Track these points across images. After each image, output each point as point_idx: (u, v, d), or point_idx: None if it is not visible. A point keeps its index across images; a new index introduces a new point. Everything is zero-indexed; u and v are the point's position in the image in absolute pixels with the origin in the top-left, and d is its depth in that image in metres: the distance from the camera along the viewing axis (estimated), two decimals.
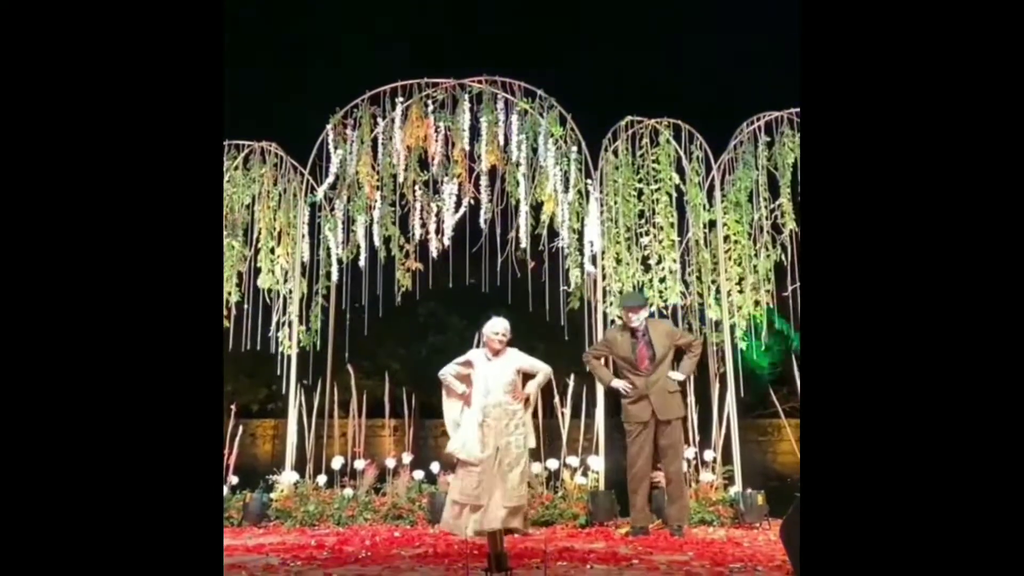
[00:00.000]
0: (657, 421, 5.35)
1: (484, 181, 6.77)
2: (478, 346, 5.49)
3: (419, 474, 6.38)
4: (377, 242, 6.91)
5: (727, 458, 6.27)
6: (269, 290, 7.17)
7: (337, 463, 6.47)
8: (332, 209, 7.06)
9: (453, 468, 5.10)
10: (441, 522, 5.11)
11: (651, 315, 5.96)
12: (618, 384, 5.49)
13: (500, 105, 6.77)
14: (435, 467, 6.45)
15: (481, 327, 5.38)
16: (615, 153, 6.84)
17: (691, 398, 6.40)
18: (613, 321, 6.44)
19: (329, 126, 7.01)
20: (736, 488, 6.07)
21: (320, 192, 7.05)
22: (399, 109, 6.88)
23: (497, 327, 5.16)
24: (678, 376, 5.48)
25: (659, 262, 6.68)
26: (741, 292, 6.65)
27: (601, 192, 6.71)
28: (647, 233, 6.73)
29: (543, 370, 5.11)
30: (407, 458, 6.42)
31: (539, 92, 6.76)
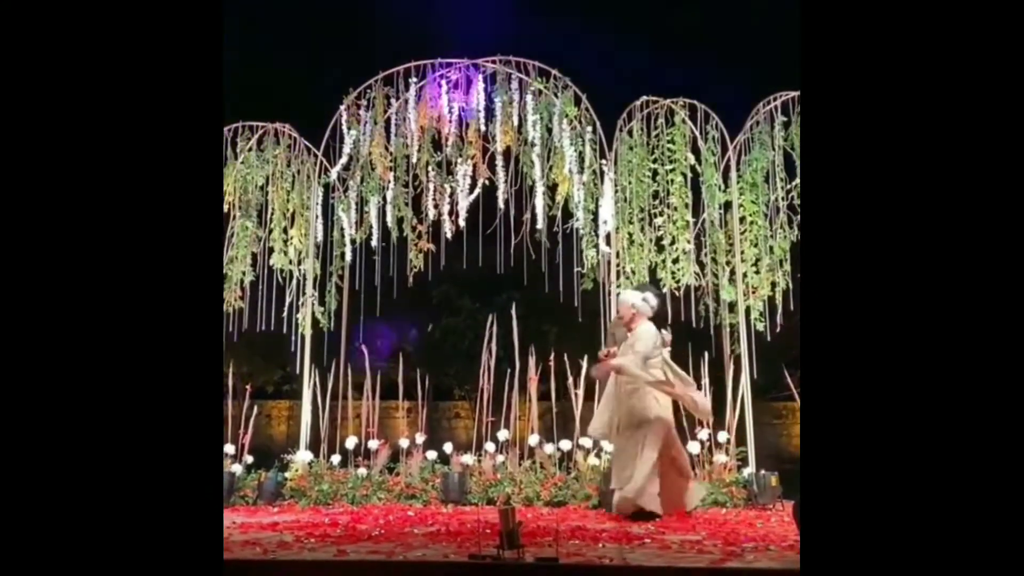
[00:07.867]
0: None
1: (499, 162, 6.73)
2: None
3: (432, 454, 6.40)
4: (390, 223, 6.90)
5: (741, 440, 6.25)
6: (282, 271, 7.18)
7: (351, 443, 6.50)
8: (345, 190, 7.05)
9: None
10: (648, 499, 4.89)
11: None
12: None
13: (514, 85, 6.72)
14: (448, 447, 6.47)
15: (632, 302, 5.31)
16: (630, 133, 6.78)
17: (705, 380, 6.37)
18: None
19: (343, 107, 6.99)
20: (749, 469, 6.05)
21: (333, 173, 7.04)
22: (412, 90, 6.84)
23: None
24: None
25: (673, 243, 6.64)
26: (757, 273, 6.60)
27: (616, 173, 6.67)
28: (661, 214, 6.68)
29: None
30: (420, 438, 6.44)
31: (553, 72, 6.71)
